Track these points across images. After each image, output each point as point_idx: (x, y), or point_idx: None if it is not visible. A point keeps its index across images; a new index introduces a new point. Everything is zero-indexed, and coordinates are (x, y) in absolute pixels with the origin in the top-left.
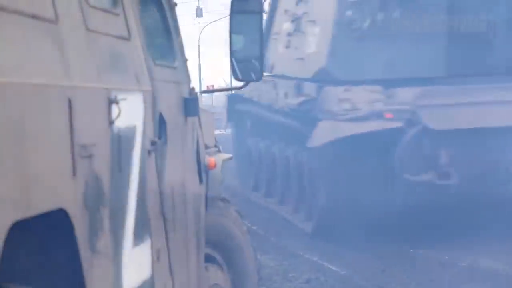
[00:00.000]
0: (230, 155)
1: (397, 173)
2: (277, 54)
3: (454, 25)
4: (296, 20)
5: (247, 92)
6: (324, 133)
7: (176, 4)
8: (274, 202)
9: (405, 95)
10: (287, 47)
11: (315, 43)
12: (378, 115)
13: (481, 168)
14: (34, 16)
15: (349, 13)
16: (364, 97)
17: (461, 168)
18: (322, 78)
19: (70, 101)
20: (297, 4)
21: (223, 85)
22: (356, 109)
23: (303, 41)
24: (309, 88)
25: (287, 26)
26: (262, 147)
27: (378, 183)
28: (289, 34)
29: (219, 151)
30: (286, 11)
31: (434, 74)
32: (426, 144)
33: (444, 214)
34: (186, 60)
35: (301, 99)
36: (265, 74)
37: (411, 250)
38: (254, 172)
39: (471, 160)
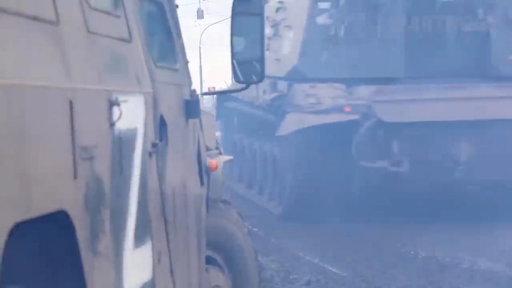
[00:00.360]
0: (231, 157)
1: (355, 160)
2: None
3: (412, 31)
4: (275, 25)
5: None
6: (290, 123)
7: (177, 6)
8: (254, 193)
9: (363, 92)
10: (268, 49)
11: (289, 45)
12: (339, 109)
13: (430, 157)
14: (35, 18)
15: (319, 19)
16: (328, 93)
17: (412, 157)
18: (294, 77)
19: (71, 103)
20: (276, 11)
21: (224, 87)
22: (320, 104)
23: (280, 44)
24: (282, 86)
25: (268, 31)
26: (245, 143)
27: (338, 169)
28: (269, 38)
29: (220, 153)
30: (267, 17)
31: (392, 75)
32: (380, 134)
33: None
34: (187, 62)
35: (274, 95)
36: None
37: (412, 252)
38: (239, 166)
39: (421, 149)
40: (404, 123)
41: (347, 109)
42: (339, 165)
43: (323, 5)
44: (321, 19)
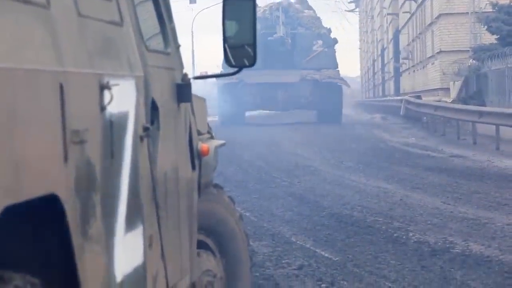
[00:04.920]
0: (223, 141)
1: (239, 97)
2: None
3: (267, 49)
4: None
5: None
6: (215, 83)
7: None
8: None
9: (243, 72)
10: None
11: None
12: (231, 77)
13: (268, 97)
14: (26, 1)
15: None
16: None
17: (261, 96)
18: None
19: (61, 87)
20: None
21: (216, 71)
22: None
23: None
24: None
25: None
26: None
27: (234, 101)
28: None
29: (212, 137)
30: None
31: (258, 67)
32: (247, 88)
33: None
34: (179, 46)
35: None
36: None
37: (404, 237)
38: None
39: (264, 94)
40: (255, 83)
41: (234, 79)
42: (233, 99)
43: None
44: None
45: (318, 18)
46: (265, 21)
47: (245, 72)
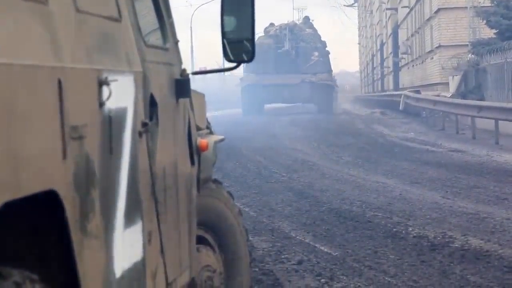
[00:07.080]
0: (222, 137)
1: (260, 94)
2: None
3: (277, 58)
4: None
5: None
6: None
7: None
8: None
9: (258, 76)
10: None
11: None
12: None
13: (278, 95)
14: None
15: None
16: (251, 78)
17: (273, 93)
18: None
19: (60, 82)
20: None
21: (215, 66)
22: (249, 79)
23: None
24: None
25: None
26: None
27: (255, 96)
28: None
29: (211, 133)
30: None
31: (270, 72)
32: (263, 88)
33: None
34: (178, 41)
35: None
36: None
37: (403, 231)
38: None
39: (274, 92)
40: (268, 84)
41: (254, 81)
42: (254, 95)
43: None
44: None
45: (316, 34)
46: (276, 37)
47: (262, 76)
